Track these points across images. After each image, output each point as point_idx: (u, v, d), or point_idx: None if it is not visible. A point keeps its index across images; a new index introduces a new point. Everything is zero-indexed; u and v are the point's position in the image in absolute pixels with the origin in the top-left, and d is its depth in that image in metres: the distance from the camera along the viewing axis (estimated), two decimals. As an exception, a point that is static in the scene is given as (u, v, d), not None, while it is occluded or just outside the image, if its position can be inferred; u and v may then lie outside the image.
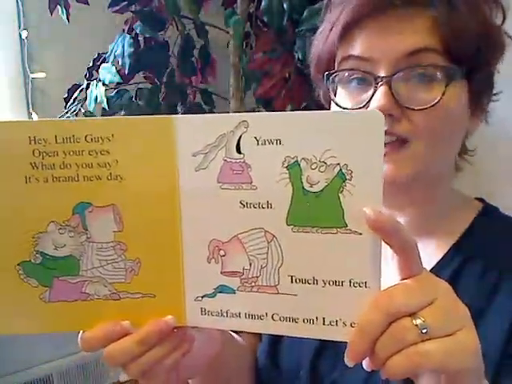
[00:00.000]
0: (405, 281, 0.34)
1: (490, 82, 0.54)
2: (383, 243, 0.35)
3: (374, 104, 0.47)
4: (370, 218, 0.34)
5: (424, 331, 0.32)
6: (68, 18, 1.43)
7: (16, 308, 0.41)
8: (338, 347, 0.54)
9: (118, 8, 1.47)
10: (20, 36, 1.64)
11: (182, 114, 1.54)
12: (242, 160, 0.37)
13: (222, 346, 0.52)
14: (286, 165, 0.36)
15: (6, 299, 0.40)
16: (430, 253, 0.54)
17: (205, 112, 1.59)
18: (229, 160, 0.37)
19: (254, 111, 1.50)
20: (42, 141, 0.38)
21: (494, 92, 0.55)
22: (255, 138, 0.36)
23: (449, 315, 0.34)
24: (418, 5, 0.48)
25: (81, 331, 0.41)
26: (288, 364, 0.59)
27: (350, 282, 0.36)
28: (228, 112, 1.44)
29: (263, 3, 1.25)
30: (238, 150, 0.36)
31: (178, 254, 0.39)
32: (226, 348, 0.54)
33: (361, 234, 0.35)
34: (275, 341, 0.60)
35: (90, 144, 0.38)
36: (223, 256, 0.38)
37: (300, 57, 1.24)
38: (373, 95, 0.48)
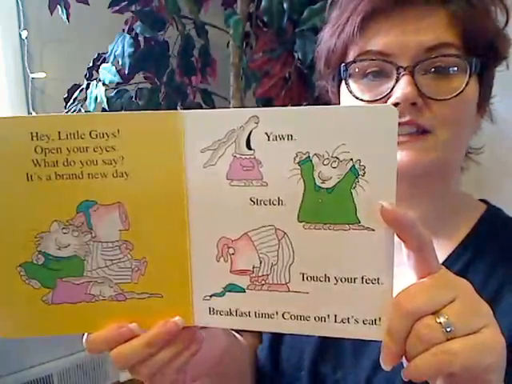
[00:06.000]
0: (423, 279, 0.34)
1: (492, 83, 0.54)
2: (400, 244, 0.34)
3: (398, 93, 0.47)
4: (386, 211, 0.33)
5: (448, 329, 0.32)
6: (68, 18, 1.43)
7: (18, 311, 0.40)
8: (339, 348, 0.54)
9: (117, 8, 1.47)
10: (20, 36, 1.64)
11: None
12: (252, 156, 0.36)
13: (227, 346, 0.52)
14: (297, 160, 0.35)
15: (8, 302, 0.39)
16: None
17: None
18: (238, 156, 0.36)
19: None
20: (45, 137, 0.37)
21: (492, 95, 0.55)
22: (266, 133, 0.35)
23: (472, 312, 0.33)
24: (436, 0, 0.48)
25: (86, 333, 0.40)
26: (289, 364, 0.58)
27: (363, 278, 0.35)
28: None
29: (263, 3, 1.25)
30: (248, 146, 0.36)
31: (186, 253, 0.38)
32: (231, 348, 0.54)
33: (373, 230, 0.34)
34: (276, 341, 0.60)
35: (94, 140, 0.37)
36: (232, 254, 0.37)
37: (300, 57, 1.24)
38: (394, 86, 0.48)
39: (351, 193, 0.34)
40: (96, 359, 1.81)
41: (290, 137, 0.35)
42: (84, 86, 1.48)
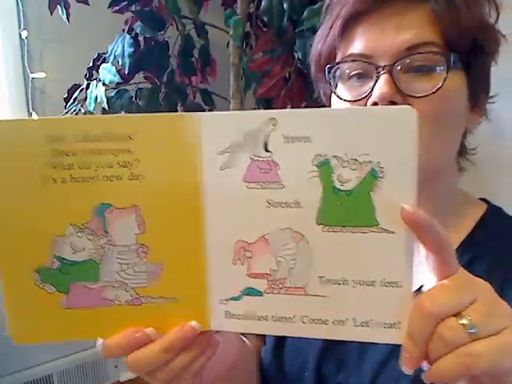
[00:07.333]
0: (443, 281, 0.34)
1: (487, 79, 0.54)
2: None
3: (376, 92, 0.47)
4: (406, 213, 0.33)
5: (472, 331, 0.32)
6: (68, 18, 1.43)
7: (32, 316, 0.39)
8: (342, 350, 0.54)
9: (117, 8, 1.47)
10: (20, 36, 1.64)
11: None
12: (269, 158, 0.36)
13: (239, 350, 0.51)
14: (315, 163, 0.35)
15: (22, 307, 0.39)
16: None
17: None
18: (256, 158, 0.36)
19: (254, 111, 1.50)
20: (60, 140, 0.36)
21: (492, 94, 0.55)
22: (283, 135, 0.35)
23: (494, 313, 0.33)
24: None
25: (101, 338, 0.39)
26: (292, 366, 0.58)
27: (382, 281, 0.35)
28: (228, 112, 1.44)
29: (263, 3, 1.25)
30: (266, 148, 0.35)
31: (202, 256, 0.38)
32: (242, 351, 0.54)
33: (393, 232, 0.34)
34: (279, 342, 0.60)
35: (110, 143, 0.36)
36: (249, 257, 0.37)
37: (300, 57, 1.24)
38: (374, 85, 0.48)
39: (370, 195, 0.34)
40: (96, 359, 1.81)
41: (307, 139, 0.35)
42: (84, 86, 1.48)
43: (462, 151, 0.57)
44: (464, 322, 0.32)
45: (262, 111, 0.36)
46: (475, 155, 0.58)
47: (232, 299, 0.38)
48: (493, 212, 0.56)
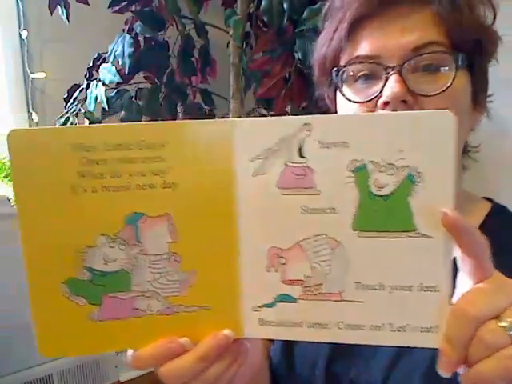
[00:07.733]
0: (480, 284, 0.34)
1: (487, 79, 0.55)
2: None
3: (387, 92, 0.48)
4: (447, 217, 0.33)
5: None
6: (68, 18, 1.43)
7: (61, 329, 0.38)
8: (353, 347, 0.53)
9: (117, 8, 1.47)
10: (20, 36, 1.64)
11: (181, 113, 1.54)
12: (304, 164, 0.35)
13: (263, 354, 0.51)
14: (351, 168, 0.35)
15: (51, 320, 0.38)
16: None
17: (205, 112, 1.59)
18: (290, 164, 0.36)
19: (253, 111, 1.50)
20: (90, 148, 0.36)
21: (489, 93, 0.56)
22: (319, 141, 0.35)
23: None
24: (420, 1, 0.49)
25: (132, 349, 0.38)
26: (303, 365, 0.58)
27: (419, 286, 0.35)
28: (228, 112, 1.44)
29: (263, 3, 1.25)
30: (301, 154, 0.35)
31: (235, 264, 0.37)
32: (264, 355, 0.54)
33: (431, 237, 0.34)
34: (288, 342, 0.59)
35: (142, 151, 0.36)
36: (283, 264, 0.37)
37: (300, 57, 1.24)
38: (384, 86, 0.48)
39: (408, 200, 0.34)
40: (96, 359, 1.81)
41: (343, 144, 0.35)
42: (84, 86, 1.48)
43: (465, 149, 0.57)
44: (504, 324, 0.32)
45: (297, 117, 0.35)
46: (477, 153, 0.59)
47: (265, 306, 0.38)
48: (498, 210, 0.57)
